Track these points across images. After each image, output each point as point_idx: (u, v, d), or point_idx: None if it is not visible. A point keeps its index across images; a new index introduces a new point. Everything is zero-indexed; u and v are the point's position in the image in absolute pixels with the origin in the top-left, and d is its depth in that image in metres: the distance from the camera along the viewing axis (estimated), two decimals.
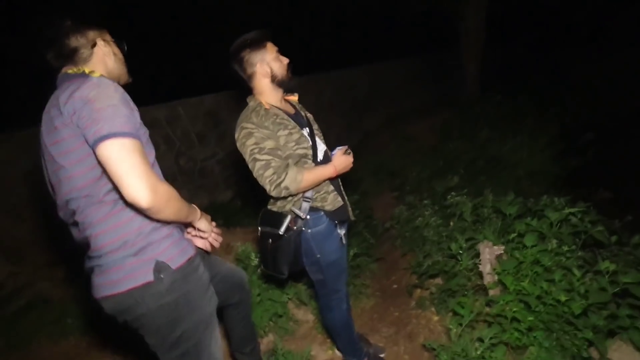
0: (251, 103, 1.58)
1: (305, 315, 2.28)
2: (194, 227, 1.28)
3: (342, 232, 1.69)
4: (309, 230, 1.59)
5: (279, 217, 1.58)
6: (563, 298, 1.66)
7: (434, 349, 1.82)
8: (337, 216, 1.66)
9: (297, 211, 1.56)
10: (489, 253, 2.04)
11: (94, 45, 1.13)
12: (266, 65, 1.54)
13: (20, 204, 2.97)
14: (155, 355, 1.15)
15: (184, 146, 4.09)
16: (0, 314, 2.17)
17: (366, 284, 2.71)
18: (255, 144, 1.46)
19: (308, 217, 1.58)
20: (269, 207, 1.67)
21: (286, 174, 1.46)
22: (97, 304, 1.10)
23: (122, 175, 0.94)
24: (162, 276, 1.05)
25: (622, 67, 7.73)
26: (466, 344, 1.72)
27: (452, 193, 3.00)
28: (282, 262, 1.59)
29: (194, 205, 1.23)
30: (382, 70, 7.08)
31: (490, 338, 1.69)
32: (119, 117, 0.98)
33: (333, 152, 1.63)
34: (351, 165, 1.63)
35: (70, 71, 1.10)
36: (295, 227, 1.57)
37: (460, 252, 2.25)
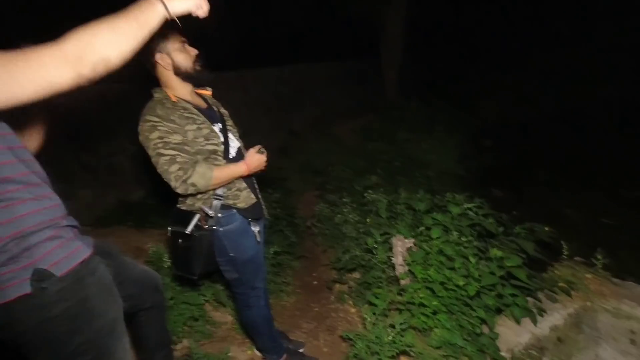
0: (157, 95, 1.48)
1: (224, 317, 2.20)
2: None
3: (256, 229, 1.67)
4: (221, 229, 1.53)
5: (188, 215, 1.50)
6: (461, 282, 1.85)
7: (351, 339, 1.89)
8: (250, 214, 1.62)
9: (207, 209, 1.49)
10: (401, 246, 2.19)
11: None
12: (166, 57, 1.45)
13: None
14: None
15: (87, 139, 3.67)
16: None
17: (287, 281, 2.72)
18: (160, 137, 1.37)
19: (219, 215, 1.52)
20: (178, 205, 1.58)
21: (194, 170, 1.40)
22: None
23: None
24: (44, 286, 0.91)
25: (538, 73, 8.68)
26: (379, 331, 1.82)
27: (369, 191, 3.16)
28: (194, 262, 1.51)
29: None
30: (308, 72, 7.18)
31: (401, 324, 1.81)
32: None
33: (245, 151, 1.59)
34: (264, 164, 1.60)
35: None
36: (206, 226, 1.50)
37: (376, 246, 2.38)
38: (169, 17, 0.95)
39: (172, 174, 1.37)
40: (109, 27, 0.86)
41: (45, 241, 0.93)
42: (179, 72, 1.47)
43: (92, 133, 3.66)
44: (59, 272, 0.94)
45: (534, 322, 1.80)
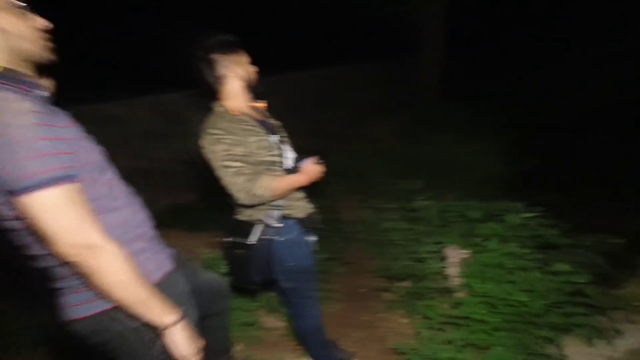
0: (217, 108, 1.53)
1: (275, 323, 2.23)
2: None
3: (312, 239, 1.68)
4: (280, 239, 1.55)
5: (249, 226, 1.55)
6: (524, 298, 1.75)
7: (405, 352, 1.85)
8: (307, 223, 1.64)
9: (269, 220, 1.53)
10: (455, 256, 2.11)
11: None
12: (239, 69, 1.51)
13: None
14: None
15: (143, 145, 3.87)
16: None
17: (334, 288, 2.71)
18: (225, 150, 1.42)
19: (279, 225, 1.55)
20: (236, 216, 1.62)
21: (258, 181, 1.43)
22: (63, 327, 1.00)
23: (49, 233, 0.80)
24: None
25: (582, 70, 8.20)
26: (436, 347, 1.77)
27: (418, 197, 3.08)
28: (254, 272, 1.56)
29: (166, 302, 0.95)
30: (343, 74, 7.16)
31: (459, 340, 1.75)
32: (36, 157, 0.77)
33: (303, 161, 1.61)
34: (322, 174, 1.62)
35: None
36: (266, 236, 1.54)
37: (428, 255, 2.32)
38: (164, 329, 0.95)
39: (238, 186, 1.41)
40: (131, 276, 0.88)
41: (136, 254, 0.97)
42: (245, 85, 1.53)
43: (147, 139, 3.86)
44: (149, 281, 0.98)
45: (609, 344, 1.67)
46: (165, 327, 0.95)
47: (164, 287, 1.02)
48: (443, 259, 2.21)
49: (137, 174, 3.87)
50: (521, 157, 5.72)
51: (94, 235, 0.83)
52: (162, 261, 1.09)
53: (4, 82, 0.83)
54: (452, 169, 4.87)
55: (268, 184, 1.44)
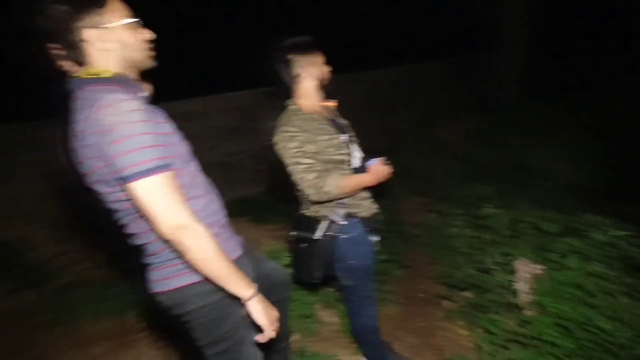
0: (292, 106, 1.59)
1: (331, 318, 2.28)
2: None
3: (374, 239, 1.69)
4: (344, 236, 1.59)
5: (314, 222, 1.60)
6: (607, 326, 1.58)
7: None
8: (370, 223, 1.66)
9: (334, 216, 1.57)
10: (526, 271, 1.97)
11: (85, 38, 0.96)
12: (314, 69, 1.56)
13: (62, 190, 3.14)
14: (195, 348, 1.18)
15: (217, 139, 4.17)
16: (46, 290, 2.30)
17: (392, 290, 2.68)
18: (297, 147, 1.48)
19: (344, 222, 1.58)
20: (302, 211, 1.68)
21: (328, 178, 1.48)
22: (150, 297, 1.14)
23: (151, 215, 0.93)
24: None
25: None
26: None
27: (487, 204, 2.92)
28: (316, 267, 1.61)
29: (249, 283, 1.07)
30: (410, 72, 6.94)
31: None
32: (140, 150, 0.89)
33: (370, 162, 1.63)
34: (390, 175, 1.63)
35: (83, 75, 0.98)
36: (330, 233, 1.58)
37: (494, 267, 2.19)
38: (245, 300, 1.07)
39: (309, 182, 1.47)
40: (218, 253, 1.00)
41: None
42: (320, 85, 1.59)
43: (220, 134, 4.15)
44: None
45: None
46: (245, 299, 1.06)
47: (239, 264, 1.11)
48: (511, 272, 2.08)
49: (211, 166, 4.19)
50: (609, 166, 5.08)
51: (186, 217, 0.95)
52: (232, 247, 1.19)
53: (114, 84, 0.97)
54: (528, 175, 4.49)
55: (337, 182, 1.48)
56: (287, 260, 2.22)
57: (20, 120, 3.06)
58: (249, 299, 1.06)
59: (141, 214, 0.98)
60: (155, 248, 1.07)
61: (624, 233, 1.91)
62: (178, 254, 1.03)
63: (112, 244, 2.78)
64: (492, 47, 7.36)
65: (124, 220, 1.07)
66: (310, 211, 1.64)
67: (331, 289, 2.29)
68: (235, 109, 4.30)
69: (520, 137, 5.53)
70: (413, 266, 3.01)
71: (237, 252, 1.20)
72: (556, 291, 1.80)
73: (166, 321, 1.20)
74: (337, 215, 1.57)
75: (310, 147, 1.48)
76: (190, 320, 1.13)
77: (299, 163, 1.47)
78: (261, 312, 1.08)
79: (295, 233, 1.66)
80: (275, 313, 1.14)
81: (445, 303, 2.52)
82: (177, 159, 1.04)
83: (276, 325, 1.13)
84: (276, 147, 1.53)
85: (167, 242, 0.97)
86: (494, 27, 7.20)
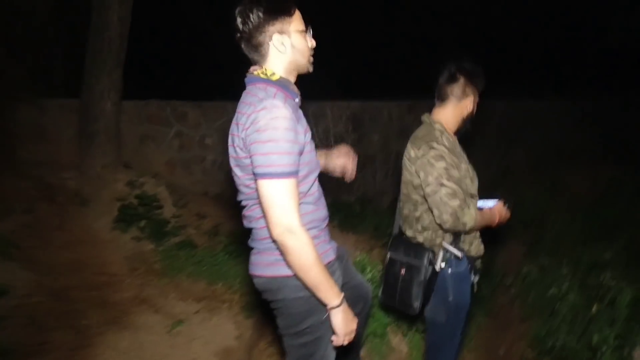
0: (437, 125, 1.52)
1: (400, 345, 2.24)
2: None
3: (475, 279, 1.62)
4: (449, 270, 1.51)
5: (423, 249, 1.52)
6: None
7: None
8: (476, 263, 1.60)
9: (454, 249, 1.48)
10: None
11: (270, 39, 1.10)
12: (470, 101, 1.54)
13: (193, 161, 3.67)
14: (278, 334, 1.29)
15: (321, 143, 4.39)
16: (163, 245, 2.73)
17: (471, 335, 2.50)
18: (446, 169, 1.41)
19: (459, 256, 1.49)
20: (409, 235, 1.61)
21: (469, 209, 1.40)
22: (250, 277, 1.28)
23: (268, 212, 1.04)
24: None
25: None
26: None
27: (606, 273, 2.52)
28: (416, 296, 1.51)
29: (339, 293, 1.12)
30: (543, 107, 6.29)
31: None
32: (279, 154, 1.02)
33: (487, 202, 1.55)
34: (508, 220, 1.55)
35: (256, 73, 1.14)
36: (439, 264, 1.50)
37: (604, 348, 1.89)
38: (330, 308, 1.12)
39: (451, 208, 1.38)
40: (315, 262, 1.07)
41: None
42: (467, 117, 1.56)
43: (322, 137, 4.34)
44: None
45: None
46: (331, 308, 1.12)
47: (330, 267, 1.19)
48: (624, 359, 1.77)
49: None
50: None
51: (296, 223, 1.05)
52: (327, 251, 1.25)
53: (278, 88, 1.12)
54: None
55: (475, 215, 1.41)
56: (370, 274, 2.25)
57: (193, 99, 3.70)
58: (333, 308, 1.12)
59: (260, 207, 1.11)
60: (263, 234, 1.18)
61: None
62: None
63: (218, 216, 3.16)
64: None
65: (247, 203, 1.21)
66: (421, 237, 1.56)
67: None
68: (343, 116, 4.47)
69: None
70: (501, 318, 2.76)
71: (331, 256, 1.26)
72: None
73: (249, 298, 1.31)
74: (455, 248, 1.48)
75: (455, 173, 1.42)
76: (278, 308, 1.23)
77: (444, 185, 1.39)
78: (342, 321, 1.13)
79: (394, 255, 1.58)
80: (354, 325, 1.17)
81: None
82: (305, 167, 1.15)
83: (352, 336, 1.17)
84: (419, 162, 1.46)
85: (273, 239, 1.08)
86: None
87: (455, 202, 1.38)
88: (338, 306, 1.12)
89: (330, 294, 1.10)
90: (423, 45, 6.68)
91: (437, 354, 1.70)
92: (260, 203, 1.09)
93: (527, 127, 6.13)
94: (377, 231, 3.43)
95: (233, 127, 1.14)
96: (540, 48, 7.46)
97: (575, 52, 7.27)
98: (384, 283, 1.63)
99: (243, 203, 1.23)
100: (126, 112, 3.27)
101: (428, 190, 1.44)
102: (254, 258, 1.24)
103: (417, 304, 1.51)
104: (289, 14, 1.11)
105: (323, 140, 4.41)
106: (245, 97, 1.14)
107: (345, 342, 1.17)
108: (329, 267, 1.22)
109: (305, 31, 1.16)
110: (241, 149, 1.10)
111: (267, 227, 1.08)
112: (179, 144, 3.62)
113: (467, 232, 1.48)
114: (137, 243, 2.72)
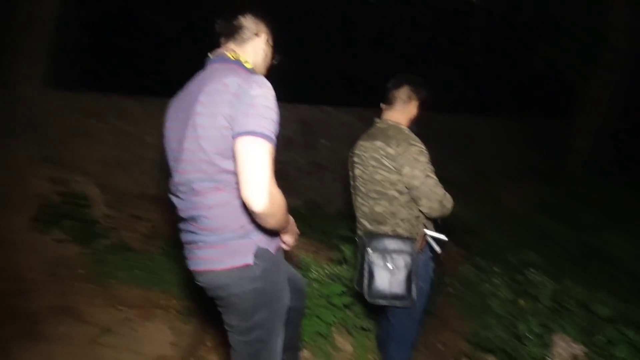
0: (401, 126, 1.69)
1: (345, 345, 2.22)
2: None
3: (433, 265, 1.78)
4: (422, 257, 1.68)
5: (410, 240, 1.62)
6: None
7: None
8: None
9: (439, 235, 1.65)
10: (565, 348, 1.82)
11: (257, 34, 1.22)
12: (414, 106, 1.73)
13: (130, 160, 3.43)
14: (223, 330, 1.21)
15: (278, 138, 4.34)
16: (91, 247, 2.48)
17: None
18: (427, 162, 1.58)
19: (434, 242, 1.67)
20: (385, 230, 1.66)
21: (449, 196, 1.60)
22: (192, 275, 1.18)
23: (249, 173, 0.98)
24: (258, 262, 1.10)
25: None
26: None
27: (531, 269, 2.74)
28: (409, 286, 1.60)
29: (292, 218, 1.25)
30: (482, 124, 6.81)
31: None
32: (268, 119, 1.02)
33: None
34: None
35: (229, 54, 1.18)
36: (422, 251, 1.66)
37: (529, 336, 2.03)
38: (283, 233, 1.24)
39: (438, 196, 1.56)
40: (287, 214, 1.15)
41: (259, 229, 1.12)
42: (413, 121, 1.74)
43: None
44: (270, 254, 1.15)
45: None
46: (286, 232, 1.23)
47: (276, 260, 1.18)
48: (546, 345, 1.92)
49: None
50: None
51: (274, 186, 1.03)
52: (276, 237, 1.22)
53: (251, 74, 1.13)
54: (586, 255, 4.15)
55: (451, 201, 1.61)
56: (315, 274, 2.22)
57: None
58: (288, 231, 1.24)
59: (225, 184, 1.08)
60: (218, 224, 1.10)
61: None
62: (242, 231, 1.09)
63: (156, 218, 2.96)
64: (568, 115, 7.06)
65: (201, 187, 1.09)
66: (401, 229, 1.64)
67: (350, 314, 2.23)
68: (293, 120, 4.48)
69: (585, 213, 5.17)
70: (439, 316, 2.86)
71: (279, 241, 1.24)
72: None
73: (211, 301, 1.23)
74: (436, 233, 1.65)
75: (432, 167, 1.59)
76: (230, 305, 1.15)
77: (429, 177, 1.55)
78: (292, 234, 1.27)
79: (376, 252, 1.63)
80: (296, 230, 1.32)
81: None
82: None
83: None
84: (404, 158, 1.57)
85: (251, 210, 1.00)
86: (571, 96, 6.94)
87: (441, 191, 1.56)
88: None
89: (290, 224, 1.23)
90: (374, 56, 6.95)
91: (402, 346, 1.77)
92: (236, 166, 1.01)
93: (470, 141, 6.58)
94: (324, 235, 3.43)
95: (197, 106, 1.07)
96: (486, 67, 8.08)
97: (515, 73, 7.98)
98: (369, 280, 1.64)
99: (195, 185, 1.11)
100: (54, 102, 2.99)
101: (416, 182, 1.55)
102: (204, 252, 1.13)
103: (413, 294, 1.59)
104: (273, 30, 1.27)
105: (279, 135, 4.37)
106: (216, 73, 1.11)
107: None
108: (278, 253, 1.23)
109: (274, 54, 1.31)
110: (222, 116, 1.03)
111: (244, 188, 0.98)
112: (116, 141, 3.37)
113: (447, 217, 1.65)
114: (59, 245, 2.47)
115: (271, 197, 0.99)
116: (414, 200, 1.59)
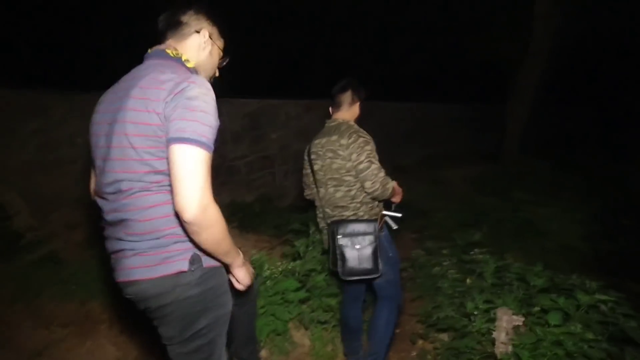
0: (350, 123, 1.97)
1: (303, 340, 2.21)
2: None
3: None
4: (384, 233, 1.98)
5: (370, 221, 1.89)
6: None
7: None
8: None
9: (394, 213, 1.99)
10: (507, 321, 1.93)
11: (198, 31, 1.18)
12: (357, 106, 2.03)
13: (58, 163, 3.10)
14: (160, 344, 1.13)
15: (217, 143, 4.17)
16: (14, 264, 2.22)
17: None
18: (371, 150, 1.87)
19: (392, 221, 2.00)
20: (347, 215, 1.92)
21: (390, 180, 1.90)
22: (118, 286, 1.08)
23: (182, 181, 0.93)
24: (193, 268, 1.04)
25: None
26: None
27: (475, 249, 2.90)
28: (376, 260, 1.87)
29: (239, 251, 1.16)
30: (427, 111, 7.09)
31: None
32: (206, 125, 0.99)
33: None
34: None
35: (168, 50, 1.14)
36: (384, 229, 1.98)
37: (475, 313, 2.14)
38: (236, 266, 1.15)
39: (381, 179, 1.84)
40: (227, 232, 1.06)
41: None
42: (357, 120, 2.05)
43: (223, 138, 4.15)
44: (205, 262, 1.08)
45: None
46: (237, 265, 1.14)
47: (218, 270, 1.11)
48: (492, 320, 2.03)
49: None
50: (603, 234, 5.10)
51: (211, 196, 0.98)
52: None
53: (192, 74, 1.09)
54: (523, 229, 4.49)
55: (392, 183, 1.92)
56: (268, 271, 2.18)
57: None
58: (238, 265, 1.14)
59: (157, 186, 1.01)
60: (150, 227, 1.02)
61: (607, 298, 1.88)
62: (175, 236, 1.03)
63: (88, 225, 2.72)
64: (499, 100, 7.56)
65: (131, 187, 1.01)
66: (361, 211, 1.91)
67: (307, 309, 2.22)
68: (240, 115, 4.33)
69: (521, 191, 5.57)
70: None
71: None
72: (534, 346, 1.75)
73: (133, 314, 1.14)
74: (394, 212, 1.97)
75: (376, 155, 1.87)
76: (166, 315, 1.07)
77: (372, 162, 1.83)
78: (245, 274, 1.17)
79: (344, 236, 1.86)
80: (252, 269, 1.24)
81: (421, 342, 2.45)
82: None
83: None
84: (352, 147, 1.84)
85: (182, 219, 0.95)
86: (506, 81, 7.42)
87: (382, 174, 1.85)
88: (242, 263, 1.15)
89: (235, 253, 1.12)
90: (320, 50, 6.94)
91: (388, 314, 2.03)
92: (170, 173, 0.96)
93: (417, 128, 6.81)
94: (277, 230, 3.38)
95: (129, 101, 1.00)
96: (432, 58, 8.37)
97: (458, 63, 8.35)
98: (342, 261, 1.89)
99: (123, 187, 1.02)
100: None
101: (361, 167, 1.83)
102: (133, 261, 1.04)
103: (380, 266, 1.87)
104: (223, 31, 1.26)
105: (219, 139, 4.21)
106: (153, 69, 1.05)
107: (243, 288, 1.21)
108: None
109: (223, 54, 1.28)
110: (157, 114, 0.98)
111: (177, 198, 0.93)
112: (39, 143, 3.04)
113: (387, 198, 1.94)
114: None
115: (203, 208, 0.95)
116: (361, 183, 1.87)
